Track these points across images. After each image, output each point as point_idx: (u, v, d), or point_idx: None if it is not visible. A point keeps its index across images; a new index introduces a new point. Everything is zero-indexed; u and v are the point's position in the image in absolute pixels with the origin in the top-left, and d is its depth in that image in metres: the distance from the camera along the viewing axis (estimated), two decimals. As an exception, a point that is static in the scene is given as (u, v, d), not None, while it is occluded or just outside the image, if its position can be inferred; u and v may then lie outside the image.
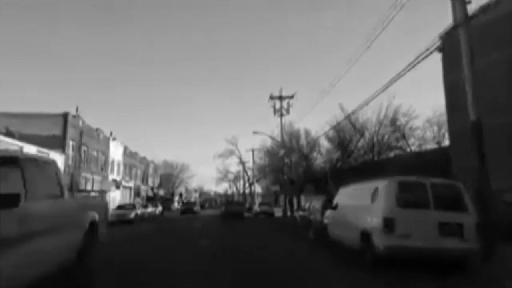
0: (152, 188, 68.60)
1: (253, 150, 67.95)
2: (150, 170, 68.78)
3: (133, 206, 30.64)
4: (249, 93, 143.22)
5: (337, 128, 19.64)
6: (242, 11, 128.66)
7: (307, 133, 30.03)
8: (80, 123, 34.45)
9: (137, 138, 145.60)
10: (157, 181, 73.45)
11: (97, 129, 39.88)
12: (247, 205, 59.06)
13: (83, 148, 35.55)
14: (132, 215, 28.21)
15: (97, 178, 37.40)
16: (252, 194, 73.05)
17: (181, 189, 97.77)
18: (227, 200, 76.84)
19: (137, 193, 58.18)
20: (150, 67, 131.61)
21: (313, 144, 27.77)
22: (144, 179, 65.00)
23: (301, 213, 16.45)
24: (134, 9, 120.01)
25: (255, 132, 37.66)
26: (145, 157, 64.45)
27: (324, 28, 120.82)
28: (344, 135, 19.09)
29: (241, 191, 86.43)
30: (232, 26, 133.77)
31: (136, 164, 58.59)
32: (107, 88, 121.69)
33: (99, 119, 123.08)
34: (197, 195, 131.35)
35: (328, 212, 11.88)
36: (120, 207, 31.10)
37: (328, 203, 12.61)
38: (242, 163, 73.88)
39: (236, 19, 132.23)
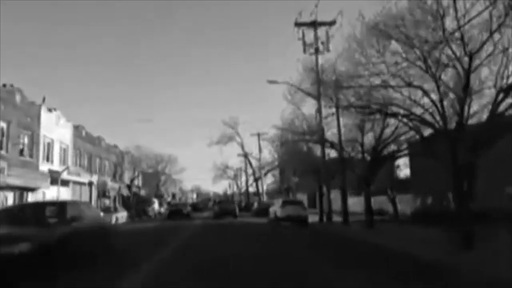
0: (128, 186, 52.69)
1: (259, 134, 52.41)
2: (126, 163, 52.87)
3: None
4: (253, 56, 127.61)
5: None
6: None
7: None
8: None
9: (125, 134, 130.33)
10: (137, 178, 57.52)
11: (6, 85, 24.07)
12: (255, 205, 44.40)
13: (-36, 110, 19.81)
14: None
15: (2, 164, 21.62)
16: (258, 193, 56.97)
17: (173, 189, 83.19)
18: (226, 199, 64.03)
19: (103, 192, 42.49)
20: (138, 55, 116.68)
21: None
22: (117, 175, 49.24)
23: None
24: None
25: (271, 81, 21.85)
26: (116, 145, 48.63)
27: None
28: None
29: (243, 189, 70.80)
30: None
31: (100, 154, 42.73)
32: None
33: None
34: (194, 196, 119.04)
35: None
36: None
37: None
38: (244, 152, 58.31)
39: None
